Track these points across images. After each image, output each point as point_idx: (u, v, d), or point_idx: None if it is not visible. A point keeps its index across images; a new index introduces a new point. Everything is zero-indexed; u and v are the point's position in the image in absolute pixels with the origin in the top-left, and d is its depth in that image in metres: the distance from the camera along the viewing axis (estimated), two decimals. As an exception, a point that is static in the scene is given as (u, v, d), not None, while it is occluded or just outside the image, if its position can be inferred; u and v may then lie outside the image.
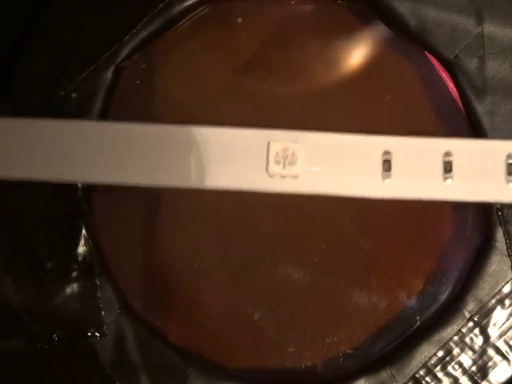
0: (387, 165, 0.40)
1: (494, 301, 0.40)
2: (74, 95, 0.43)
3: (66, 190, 0.43)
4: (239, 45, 0.44)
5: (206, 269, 0.43)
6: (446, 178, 0.39)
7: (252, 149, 0.41)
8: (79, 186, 0.43)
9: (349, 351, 0.41)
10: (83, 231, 0.42)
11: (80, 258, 0.42)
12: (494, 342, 0.39)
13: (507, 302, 0.39)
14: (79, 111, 0.43)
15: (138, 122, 0.42)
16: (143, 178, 0.41)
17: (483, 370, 0.39)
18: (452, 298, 0.40)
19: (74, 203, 0.43)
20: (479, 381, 0.39)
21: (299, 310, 0.42)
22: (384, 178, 0.40)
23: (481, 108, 0.40)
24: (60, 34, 0.43)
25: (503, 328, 0.39)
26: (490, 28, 0.41)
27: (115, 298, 0.42)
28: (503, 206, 0.40)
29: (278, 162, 0.40)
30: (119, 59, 0.43)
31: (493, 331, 0.39)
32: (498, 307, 0.40)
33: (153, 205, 0.43)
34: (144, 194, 0.43)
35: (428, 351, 0.40)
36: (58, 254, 0.42)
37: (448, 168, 0.39)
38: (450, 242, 0.41)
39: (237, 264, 0.43)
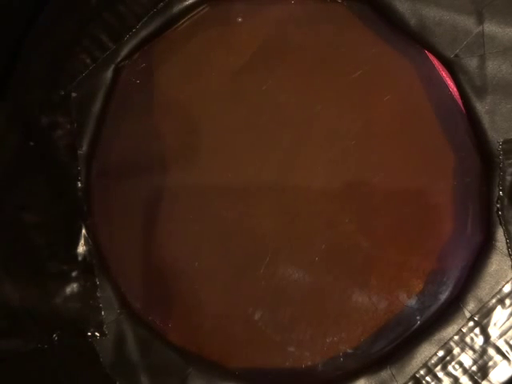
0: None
1: (494, 300, 0.39)
2: (73, 95, 0.43)
3: (66, 190, 0.43)
4: (239, 45, 0.44)
5: (206, 269, 0.43)
6: None
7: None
8: (79, 185, 0.43)
9: (349, 351, 0.41)
10: (83, 231, 0.42)
11: (80, 258, 0.42)
12: (495, 341, 0.39)
13: (507, 301, 0.39)
14: (79, 111, 0.43)
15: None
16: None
17: (483, 370, 0.39)
18: (452, 298, 0.40)
19: (73, 203, 0.43)
20: (479, 380, 0.39)
21: (299, 310, 0.42)
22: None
23: (481, 107, 0.40)
24: (60, 33, 0.44)
25: (504, 327, 0.39)
26: (490, 27, 0.40)
27: (115, 297, 0.42)
28: (503, 206, 0.40)
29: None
30: (119, 58, 0.43)
31: (493, 331, 0.39)
32: (499, 307, 0.39)
33: (153, 205, 0.43)
34: (144, 193, 0.43)
35: (428, 351, 0.40)
36: (57, 254, 0.42)
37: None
38: (450, 241, 0.41)
39: (237, 264, 0.43)
